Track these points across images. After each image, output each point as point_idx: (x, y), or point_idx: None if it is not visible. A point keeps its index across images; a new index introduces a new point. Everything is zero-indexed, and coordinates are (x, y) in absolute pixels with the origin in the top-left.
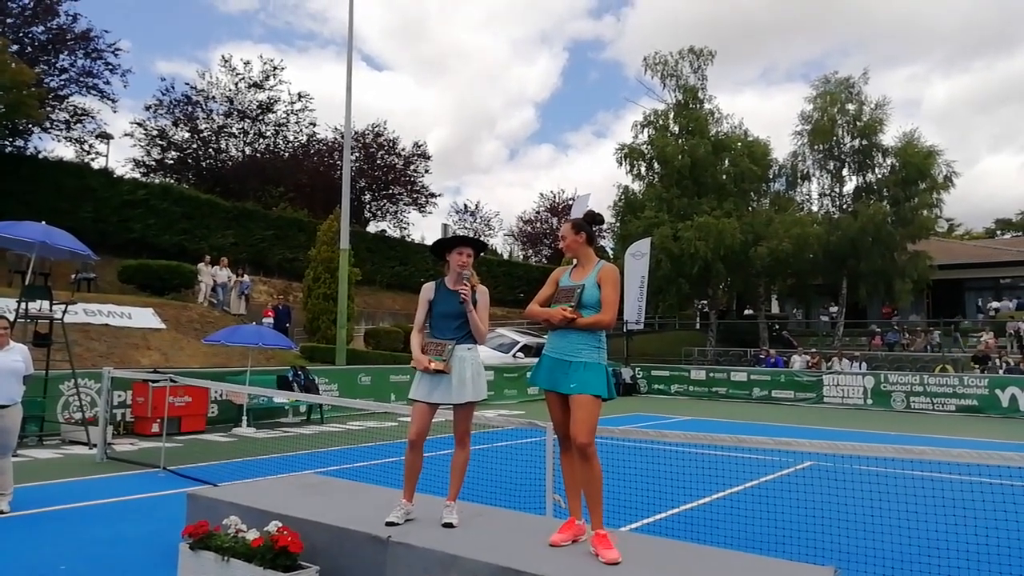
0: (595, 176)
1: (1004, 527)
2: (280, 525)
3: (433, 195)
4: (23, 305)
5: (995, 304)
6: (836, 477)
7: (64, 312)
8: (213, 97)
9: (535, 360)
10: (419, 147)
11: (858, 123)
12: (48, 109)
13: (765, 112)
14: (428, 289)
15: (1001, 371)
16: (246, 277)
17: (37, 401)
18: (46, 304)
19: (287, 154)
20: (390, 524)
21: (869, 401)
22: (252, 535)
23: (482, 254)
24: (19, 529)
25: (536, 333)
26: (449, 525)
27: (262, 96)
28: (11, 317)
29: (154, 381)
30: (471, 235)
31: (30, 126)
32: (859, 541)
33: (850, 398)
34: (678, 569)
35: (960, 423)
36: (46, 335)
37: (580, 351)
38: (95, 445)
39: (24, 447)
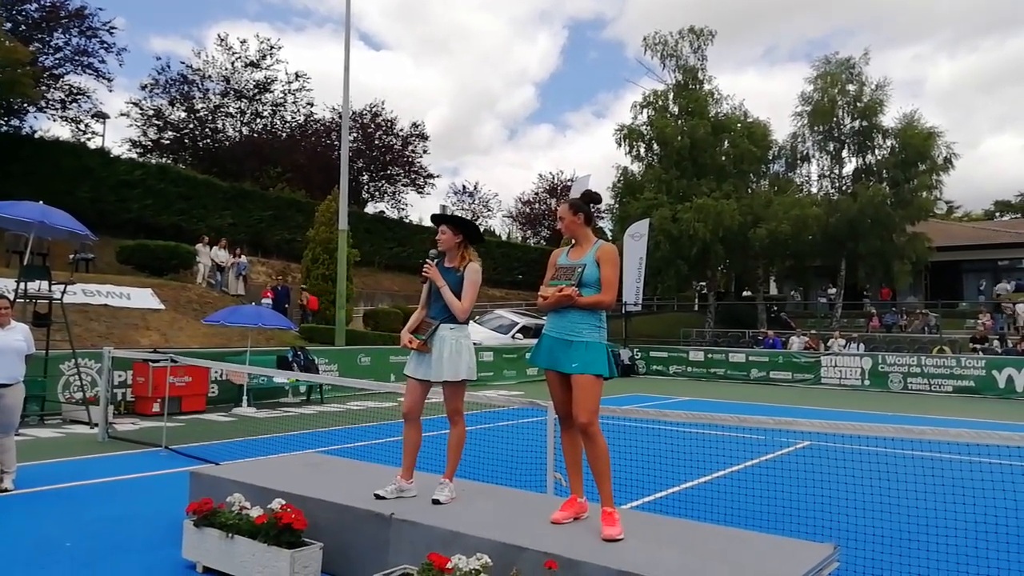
0: (594, 157)
1: (1001, 506)
2: (284, 502)
3: (431, 176)
4: (22, 285)
5: (1007, 287)
6: (834, 457)
7: (63, 292)
8: (209, 76)
9: (534, 341)
10: (417, 127)
11: (858, 104)
12: (43, 88)
13: (768, 92)
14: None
15: (999, 351)
16: (243, 258)
17: (38, 381)
18: (45, 284)
19: (284, 134)
20: (378, 497)
21: (866, 382)
22: (256, 512)
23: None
24: (23, 507)
25: (534, 314)
26: (436, 502)
27: (259, 75)
28: (11, 297)
29: (154, 361)
30: (468, 216)
31: (25, 105)
32: (857, 519)
33: (848, 379)
34: (678, 545)
35: (957, 404)
36: (45, 315)
37: (581, 331)
38: (96, 424)
39: (25, 426)
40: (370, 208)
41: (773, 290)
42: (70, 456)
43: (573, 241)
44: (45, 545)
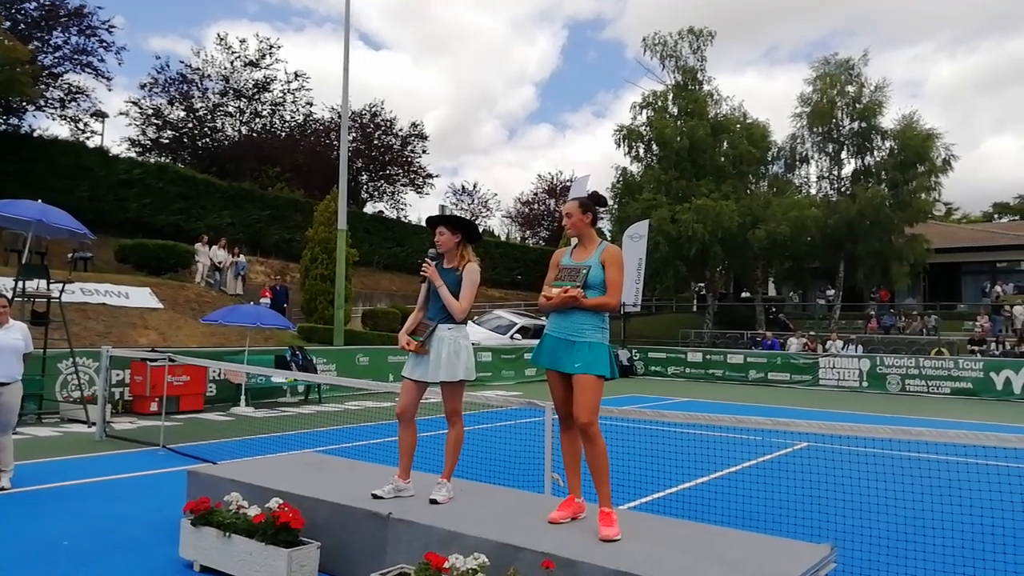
0: (594, 157)
1: (998, 507)
2: (281, 502)
3: (430, 176)
4: (20, 284)
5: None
6: (832, 458)
7: (61, 291)
8: (208, 75)
9: (533, 342)
10: (416, 127)
11: (857, 105)
12: (42, 87)
13: (767, 93)
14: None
15: (997, 353)
16: (241, 257)
17: (36, 379)
18: (43, 283)
19: (284, 134)
20: (376, 497)
21: (864, 384)
22: (253, 511)
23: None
24: (20, 505)
25: (533, 315)
26: (433, 502)
27: (258, 75)
28: (9, 296)
29: (152, 360)
30: (467, 216)
31: (24, 104)
32: (855, 520)
33: (846, 380)
34: (676, 546)
35: (955, 405)
36: (44, 314)
37: (584, 331)
38: (94, 423)
39: (23, 425)
40: (369, 208)
41: (772, 291)
42: (67, 455)
43: (575, 241)
44: (42, 543)
